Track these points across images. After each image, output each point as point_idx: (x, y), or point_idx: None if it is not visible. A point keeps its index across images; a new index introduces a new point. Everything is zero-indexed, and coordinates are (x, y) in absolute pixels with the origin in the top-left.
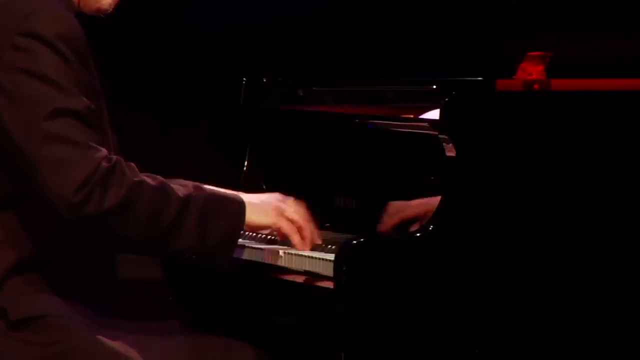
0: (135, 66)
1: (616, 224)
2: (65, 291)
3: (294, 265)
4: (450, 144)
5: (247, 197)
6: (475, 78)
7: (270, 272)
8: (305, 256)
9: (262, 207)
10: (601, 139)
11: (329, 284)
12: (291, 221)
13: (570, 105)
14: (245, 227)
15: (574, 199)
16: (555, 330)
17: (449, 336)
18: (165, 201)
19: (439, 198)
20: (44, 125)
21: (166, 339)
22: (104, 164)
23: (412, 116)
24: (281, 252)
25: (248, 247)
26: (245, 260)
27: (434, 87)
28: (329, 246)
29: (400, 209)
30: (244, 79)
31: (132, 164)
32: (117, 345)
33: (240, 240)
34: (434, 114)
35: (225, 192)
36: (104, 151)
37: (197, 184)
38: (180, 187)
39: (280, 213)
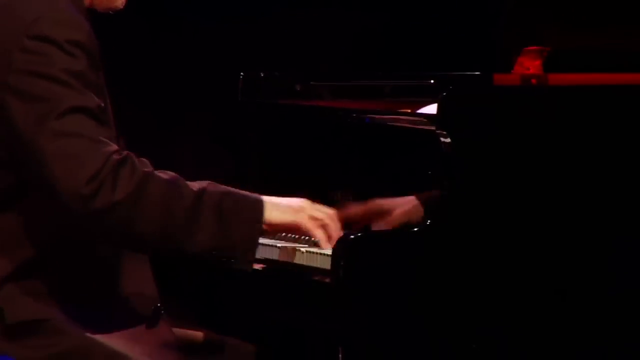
0: (132, 63)
1: (614, 218)
2: (63, 295)
3: (292, 259)
4: (448, 139)
5: (266, 197)
6: (473, 72)
7: (268, 267)
8: (302, 251)
9: (282, 205)
10: (599, 133)
11: (327, 279)
12: (314, 219)
13: (567, 99)
14: (264, 226)
15: (571, 193)
16: (553, 325)
17: (446, 331)
18: (179, 194)
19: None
20: (55, 123)
21: (162, 340)
22: (115, 156)
23: (409, 111)
24: (279, 247)
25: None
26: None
27: (432, 81)
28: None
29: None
30: (242, 73)
31: (145, 159)
32: (114, 348)
33: None
34: (431, 109)
35: (240, 191)
36: (114, 146)
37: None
38: (195, 183)
39: (301, 210)
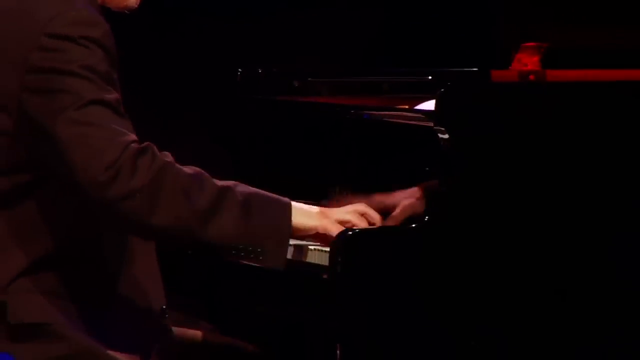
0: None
1: (612, 214)
2: (67, 296)
3: (289, 255)
4: (446, 135)
5: (293, 202)
6: (471, 69)
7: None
8: (312, 249)
9: (307, 209)
10: (597, 130)
11: (324, 275)
12: (340, 222)
13: (565, 96)
14: (292, 229)
15: (569, 190)
16: (551, 321)
17: (444, 327)
18: (200, 186)
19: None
20: (74, 113)
21: (165, 345)
22: (134, 145)
23: (407, 107)
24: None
25: None
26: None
27: (430, 78)
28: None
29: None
30: (240, 70)
31: (168, 152)
32: (115, 353)
33: None
34: (429, 105)
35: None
36: (133, 136)
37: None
38: (221, 182)
39: (326, 216)
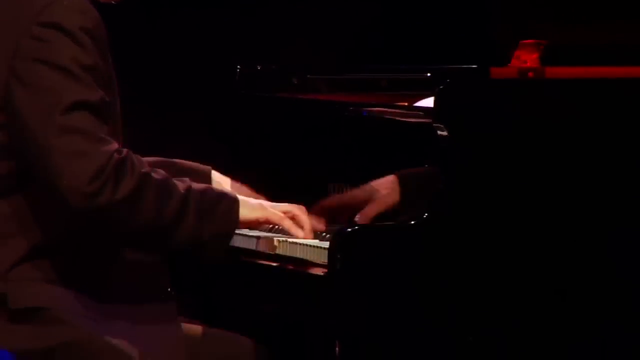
0: (128, 55)
1: (611, 211)
2: (67, 282)
3: (289, 253)
4: (445, 132)
5: (239, 196)
6: (470, 66)
7: (265, 260)
8: (299, 244)
9: (252, 202)
10: (596, 127)
11: (324, 272)
12: (281, 212)
13: (564, 93)
14: (239, 224)
15: (568, 187)
16: (549, 318)
17: (442, 324)
18: (170, 194)
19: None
20: (60, 118)
21: (165, 333)
22: (116, 155)
23: (406, 104)
24: (275, 241)
25: (242, 235)
26: (241, 248)
27: (429, 74)
28: (323, 234)
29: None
30: (238, 67)
31: (139, 155)
32: (116, 339)
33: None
34: (428, 102)
35: (217, 188)
36: (115, 144)
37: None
38: (178, 180)
39: (266, 207)
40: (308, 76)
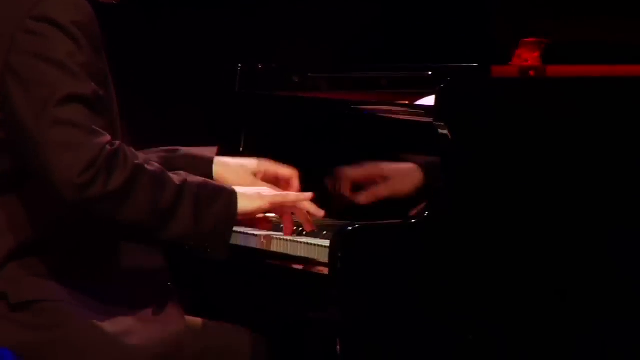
0: (128, 53)
1: (612, 209)
2: (66, 275)
3: (290, 251)
4: (446, 130)
5: (237, 188)
6: (471, 64)
7: (266, 259)
8: (300, 242)
9: (250, 193)
10: (597, 125)
11: (325, 270)
12: (277, 202)
13: (565, 91)
14: (238, 216)
15: (569, 185)
16: (549, 316)
17: (443, 322)
18: (164, 185)
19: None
20: (53, 110)
21: (165, 324)
22: (109, 147)
23: (407, 102)
24: (275, 239)
25: (243, 233)
26: (242, 246)
27: (429, 73)
28: (324, 232)
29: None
30: (239, 65)
31: (132, 148)
32: (116, 330)
33: (239, 228)
34: (429, 100)
35: (214, 182)
36: (107, 136)
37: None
38: (174, 174)
39: (267, 194)
40: (309, 75)
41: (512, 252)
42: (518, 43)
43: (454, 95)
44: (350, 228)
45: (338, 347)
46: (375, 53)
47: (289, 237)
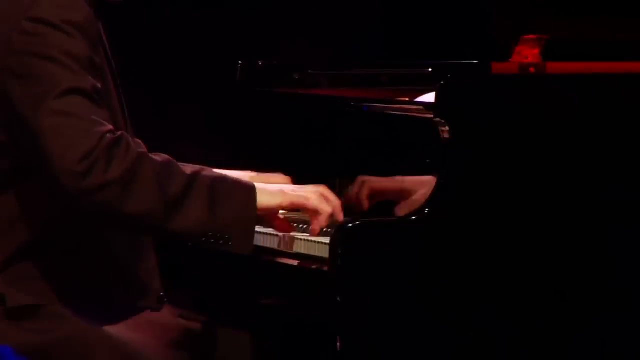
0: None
1: (612, 207)
2: (64, 278)
3: (290, 248)
4: (446, 127)
5: (256, 183)
6: (471, 61)
7: (266, 255)
8: (300, 239)
9: (271, 189)
10: (597, 122)
11: (325, 267)
12: (299, 203)
13: (566, 88)
14: (258, 211)
15: (569, 182)
16: (550, 313)
17: (443, 320)
18: (171, 174)
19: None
20: (54, 103)
21: (163, 326)
22: (109, 136)
23: (407, 99)
24: (278, 236)
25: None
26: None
27: (430, 70)
28: (325, 229)
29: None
30: (240, 62)
31: (139, 140)
32: (114, 333)
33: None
34: (429, 97)
35: (233, 177)
36: (109, 126)
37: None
38: (188, 166)
39: (289, 191)
40: (309, 71)
41: (512, 248)
42: (518, 40)
43: (454, 92)
44: (350, 225)
45: (338, 344)
46: (376, 50)
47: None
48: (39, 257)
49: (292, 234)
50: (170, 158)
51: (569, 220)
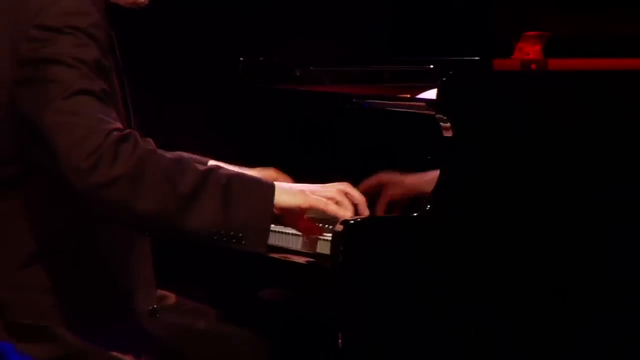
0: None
1: (613, 204)
2: (61, 294)
3: (291, 245)
4: (447, 124)
5: (276, 182)
6: (473, 58)
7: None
8: (301, 237)
9: (292, 188)
10: (598, 118)
11: (327, 264)
12: (325, 198)
13: (567, 85)
14: (275, 210)
15: (571, 178)
16: (551, 310)
17: (445, 316)
18: (182, 172)
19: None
20: (62, 103)
21: (161, 339)
22: (116, 133)
23: (409, 96)
24: (277, 232)
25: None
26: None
27: (431, 66)
28: (327, 226)
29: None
30: (241, 58)
31: (149, 139)
32: (111, 355)
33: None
34: (431, 94)
35: (252, 175)
36: (117, 124)
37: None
38: (201, 164)
39: (310, 193)
40: (310, 68)
41: (514, 245)
42: (520, 36)
43: (456, 89)
44: (352, 221)
45: (340, 340)
46: (377, 47)
47: (290, 231)
48: (41, 268)
49: (291, 230)
50: (183, 155)
51: (571, 216)
